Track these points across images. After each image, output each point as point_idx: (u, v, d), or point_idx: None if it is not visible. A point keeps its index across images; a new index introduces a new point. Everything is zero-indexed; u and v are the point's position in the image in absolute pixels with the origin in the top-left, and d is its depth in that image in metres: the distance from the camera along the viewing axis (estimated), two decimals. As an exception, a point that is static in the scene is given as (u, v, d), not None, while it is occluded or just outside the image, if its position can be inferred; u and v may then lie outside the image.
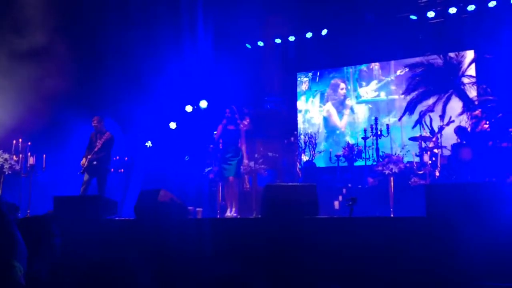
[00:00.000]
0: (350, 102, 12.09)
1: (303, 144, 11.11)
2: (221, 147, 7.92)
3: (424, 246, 4.50)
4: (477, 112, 8.57)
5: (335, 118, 12.19)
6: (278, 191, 5.78)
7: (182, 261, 5.37)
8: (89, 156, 8.04)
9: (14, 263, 0.96)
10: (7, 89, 8.86)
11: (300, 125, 12.47)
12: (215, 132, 10.40)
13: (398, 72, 11.40)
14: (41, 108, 8.89)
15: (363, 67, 11.93)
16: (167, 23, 10.28)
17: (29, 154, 7.69)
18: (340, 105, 12.19)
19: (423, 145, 8.74)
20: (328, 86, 12.39)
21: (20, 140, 7.68)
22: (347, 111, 12.07)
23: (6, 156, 7.25)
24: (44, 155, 7.88)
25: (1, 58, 8.68)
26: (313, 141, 11.46)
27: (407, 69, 10.55)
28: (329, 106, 12.34)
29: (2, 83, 8.79)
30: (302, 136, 11.56)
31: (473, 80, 10.18)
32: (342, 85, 12.25)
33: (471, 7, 10.26)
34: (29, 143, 7.79)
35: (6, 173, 7.28)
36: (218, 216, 8.07)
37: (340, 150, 11.00)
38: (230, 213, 7.66)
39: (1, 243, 0.97)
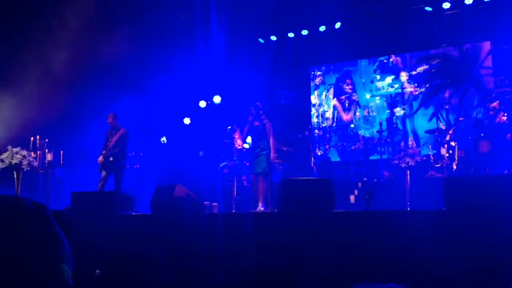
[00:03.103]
0: (362, 96, 11.95)
1: (317, 138, 11.07)
2: (236, 143, 7.93)
3: (444, 239, 4.45)
4: (494, 104, 8.43)
5: (342, 113, 12.11)
6: (295, 186, 5.76)
7: (198, 255, 5.39)
8: (104, 152, 8.15)
9: (63, 266, 0.96)
10: (23, 86, 8.99)
11: (314, 119, 12.41)
12: (228, 127, 10.45)
13: (413, 73, 11.20)
14: (58, 104, 9.01)
15: (382, 59, 11.74)
16: (181, 19, 10.29)
17: (46, 150, 7.77)
18: (349, 100, 12.05)
19: (439, 138, 8.65)
20: (335, 81, 12.28)
21: (38, 137, 7.76)
22: (354, 106, 11.94)
23: (24, 153, 7.33)
24: (61, 152, 7.97)
25: (12, 51, 8.83)
26: (327, 135, 11.41)
27: (425, 67, 10.35)
28: (335, 101, 12.24)
29: (17, 81, 8.93)
30: (316, 131, 11.51)
31: (490, 71, 10.03)
32: (348, 80, 12.13)
33: (487, -3, 10.08)
34: (47, 140, 7.87)
35: (25, 169, 7.36)
36: (233, 211, 8.08)
37: (354, 144, 10.95)
38: (257, 208, 7.62)
39: (48, 247, 0.97)
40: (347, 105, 12.01)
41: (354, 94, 11.96)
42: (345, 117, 11.94)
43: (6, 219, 0.94)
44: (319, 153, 11.09)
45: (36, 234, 0.95)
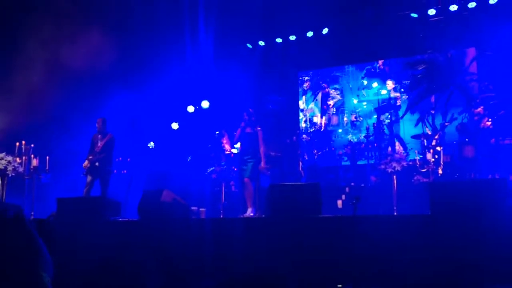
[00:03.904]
0: (349, 101, 12.04)
1: (305, 143, 11.12)
2: (224, 148, 7.93)
3: (428, 244, 4.49)
4: (479, 109, 8.56)
5: (317, 115, 12.21)
6: (282, 191, 5.78)
7: (186, 260, 5.38)
8: (90, 157, 8.09)
9: (42, 273, 0.96)
10: (8, 90, 8.91)
11: (302, 124, 12.46)
12: (217, 132, 10.45)
13: (400, 85, 11.32)
14: (43, 108, 8.93)
15: (369, 67, 11.86)
16: (169, 24, 10.29)
17: (32, 156, 7.70)
18: (334, 107, 12.13)
19: (425, 143, 8.74)
20: (323, 87, 12.34)
21: (24, 142, 7.69)
22: (339, 110, 12.02)
23: (10, 158, 7.26)
24: (47, 157, 7.90)
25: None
26: (315, 140, 11.45)
27: (411, 76, 10.48)
28: (312, 105, 12.32)
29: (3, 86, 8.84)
30: (304, 136, 11.54)
31: (475, 77, 10.18)
32: (336, 85, 12.21)
33: (471, 4, 10.23)
34: (32, 145, 7.80)
35: (10, 175, 7.28)
36: (221, 216, 8.07)
37: (342, 149, 11.01)
38: (246, 213, 7.61)
39: (27, 254, 0.97)
40: (334, 110, 12.08)
41: (340, 98, 12.04)
42: (320, 120, 12.03)
43: None
44: (306, 158, 11.13)
45: (15, 242, 0.95)
